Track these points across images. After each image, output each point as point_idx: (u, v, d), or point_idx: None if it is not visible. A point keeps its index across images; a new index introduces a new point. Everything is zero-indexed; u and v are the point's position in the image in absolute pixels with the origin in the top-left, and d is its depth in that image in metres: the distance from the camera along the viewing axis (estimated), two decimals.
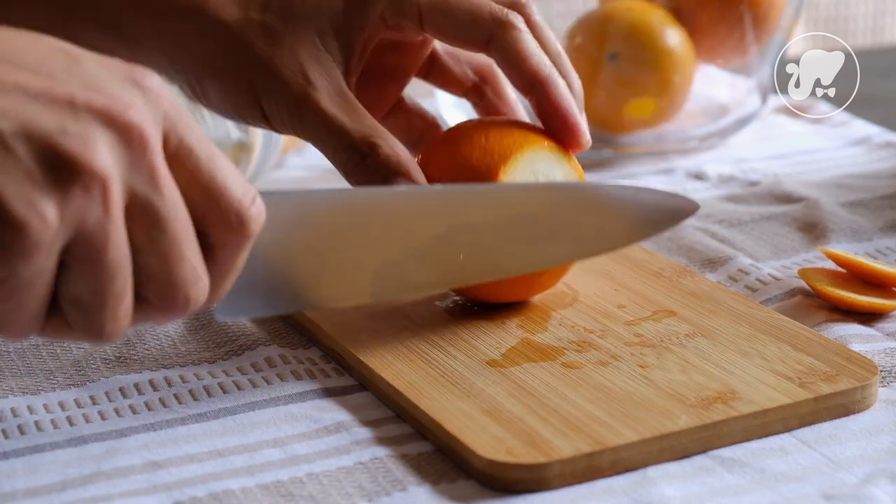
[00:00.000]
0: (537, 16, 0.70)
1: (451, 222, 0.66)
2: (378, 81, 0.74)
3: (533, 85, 0.69)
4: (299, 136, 0.69)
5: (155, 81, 0.53)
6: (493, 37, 0.68)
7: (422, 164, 0.69)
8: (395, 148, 0.67)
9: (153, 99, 0.52)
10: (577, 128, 0.69)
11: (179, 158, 0.53)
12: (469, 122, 0.72)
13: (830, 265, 0.80)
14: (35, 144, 0.49)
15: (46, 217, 0.49)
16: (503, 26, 0.68)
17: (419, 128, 0.76)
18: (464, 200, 0.66)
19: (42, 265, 0.50)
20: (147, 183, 0.51)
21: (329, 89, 0.68)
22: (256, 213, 0.55)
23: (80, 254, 0.50)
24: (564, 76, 0.70)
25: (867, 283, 0.75)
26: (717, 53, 1.01)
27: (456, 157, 0.69)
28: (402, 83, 0.75)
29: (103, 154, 0.50)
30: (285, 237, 0.61)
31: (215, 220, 0.54)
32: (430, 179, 0.68)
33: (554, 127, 0.69)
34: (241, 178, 0.55)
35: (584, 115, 0.71)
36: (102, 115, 0.50)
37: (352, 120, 0.68)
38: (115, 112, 0.50)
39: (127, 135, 0.50)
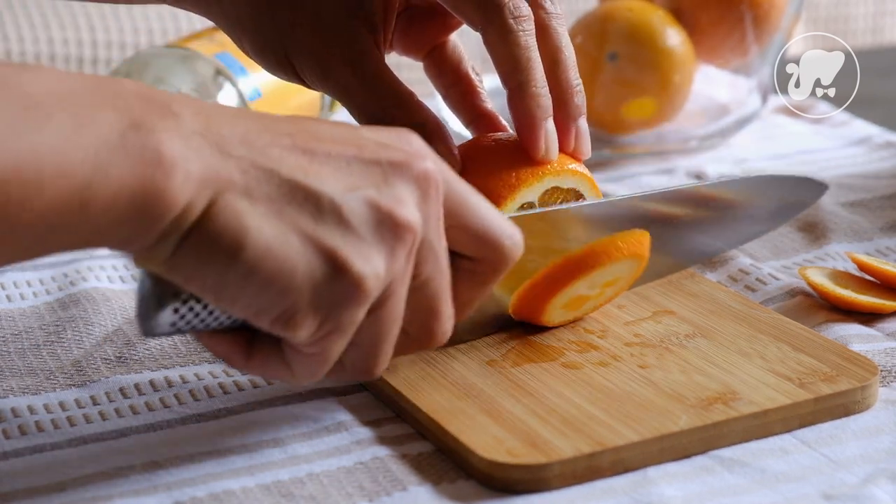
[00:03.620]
0: (553, 20, 0.69)
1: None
2: (422, 20, 0.73)
3: (505, 87, 0.68)
4: (329, 96, 0.71)
5: (417, 137, 0.57)
6: (483, 27, 0.67)
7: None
8: (417, 115, 0.68)
9: (425, 150, 0.56)
10: (535, 140, 0.68)
11: (449, 201, 0.56)
12: (489, 143, 0.71)
13: (831, 265, 0.80)
14: (360, 206, 0.53)
15: (379, 273, 0.53)
16: (493, 21, 0.67)
17: (449, 77, 0.74)
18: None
19: (361, 316, 0.54)
20: (434, 228, 0.55)
21: (348, 56, 0.68)
22: (522, 239, 0.59)
23: (380, 302, 0.54)
24: (561, 85, 0.69)
25: (890, 288, 0.75)
26: (717, 53, 1.01)
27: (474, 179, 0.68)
28: (448, 24, 0.73)
29: (412, 208, 0.54)
30: None
31: (488, 252, 0.58)
32: None
33: (518, 132, 0.69)
34: (501, 214, 0.58)
35: (577, 127, 0.70)
36: (404, 169, 0.54)
37: (368, 88, 0.68)
38: (414, 164, 0.55)
39: (425, 184, 0.55)
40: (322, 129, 0.55)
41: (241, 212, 0.51)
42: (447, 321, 0.58)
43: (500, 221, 0.58)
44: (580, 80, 0.70)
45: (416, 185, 0.54)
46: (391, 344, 0.56)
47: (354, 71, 0.68)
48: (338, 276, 0.52)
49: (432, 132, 0.68)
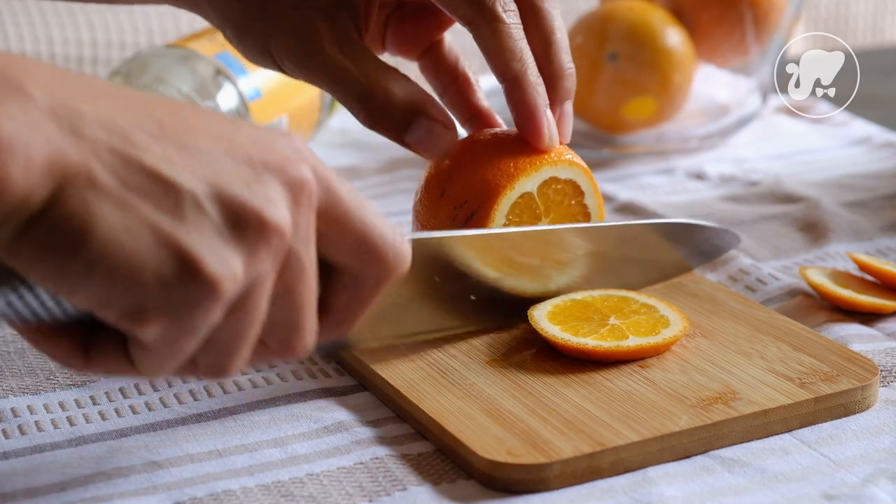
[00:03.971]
0: (546, 2, 0.69)
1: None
2: (415, 18, 0.74)
3: (502, 79, 0.68)
4: (309, 82, 0.70)
5: (300, 140, 0.54)
6: (474, 21, 0.68)
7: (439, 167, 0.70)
8: (409, 87, 0.68)
9: (306, 155, 0.53)
10: (538, 129, 0.68)
11: (329, 210, 0.53)
12: (487, 137, 0.71)
13: (831, 265, 0.80)
14: (225, 204, 0.50)
15: (236, 274, 0.50)
16: (484, 14, 0.67)
17: (446, 77, 0.74)
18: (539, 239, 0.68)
19: (217, 318, 0.51)
20: (303, 237, 0.52)
21: (334, 35, 0.68)
22: (408, 250, 0.56)
23: (237, 304, 0.51)
24: (553, 67, 0.69)
25: (891, 288, 0.75)
26: (717, 53, 1.01)
27: (475, 174, 0.69)
28: (442, 22, 0.74)
29: (283, 210, 0.51)
30: None
31: (369, 264, 0.55)
32: (446, 184, 0.69)
33: (518, 123, 0.69)
34: (388, 221, 0.55)
35: (561, 110, 0.70)
36: (278, 172, 0.51)
37: (358, 66, 0.68)
38: (288, 169, 0.51)
39: (297, 190, 0.51)
40: (197, 118, 0.51)
41: (89, 201, 0.48)
42: (308, 336, 0.54)
43: (384, 230, 0.55)
44: (573, 65, 0.70)
45: (287, 191, 0.51)
46: (248, 346, 0.53)
47: (343, 50, 0.68)
48: (190, 277, 0.49)
49: (423, 101, 0.68)
